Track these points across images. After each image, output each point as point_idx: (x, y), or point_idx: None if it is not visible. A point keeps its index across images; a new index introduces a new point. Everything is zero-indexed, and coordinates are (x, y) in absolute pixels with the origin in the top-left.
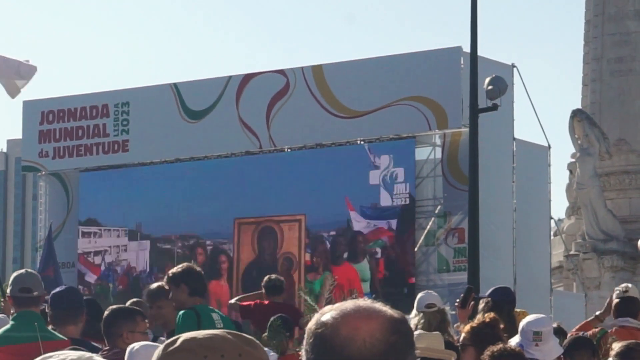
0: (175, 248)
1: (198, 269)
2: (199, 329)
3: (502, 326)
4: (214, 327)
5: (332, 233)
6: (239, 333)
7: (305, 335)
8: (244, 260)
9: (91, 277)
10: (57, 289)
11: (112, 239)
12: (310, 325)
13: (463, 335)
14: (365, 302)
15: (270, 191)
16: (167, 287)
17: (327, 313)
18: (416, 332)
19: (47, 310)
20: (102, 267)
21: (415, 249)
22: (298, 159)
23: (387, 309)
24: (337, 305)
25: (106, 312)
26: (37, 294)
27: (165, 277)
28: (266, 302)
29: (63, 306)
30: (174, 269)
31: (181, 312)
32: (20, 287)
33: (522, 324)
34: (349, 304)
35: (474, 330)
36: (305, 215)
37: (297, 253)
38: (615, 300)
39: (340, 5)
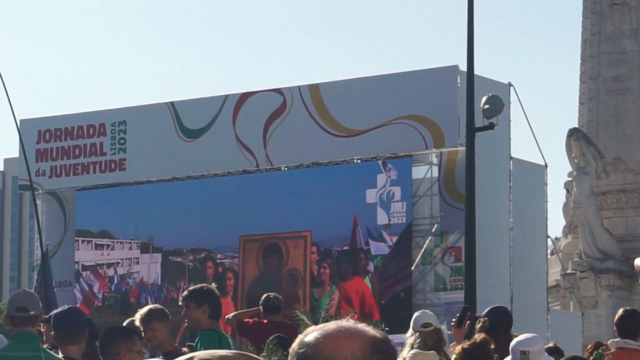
0: (187, 261)
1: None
2: None
3: (492, 346)
4: None
5: (346, 248)
6: (251, 354)
7: (289, 356)
8: (249, 277)
9: (100, 291)
10: (60, 310)
11: (124, 251)
12: (294, 346)
13: (454, 356)
14: (348, 322)
15: (274, 209)
16: (181, 304)
17: (311, 334)
18: (412, 352)
19: (42, 330)
20: (116, 280)
21: (412, 268)
22: (295, 177)
23: (370, 329)
24: (320, 325)
25: (103, 332)
26: (34, 314)
27: (186, 293)
28: (264, 320)
29: (65, 327)
30: (195, 287)
31: (203, 333)
32: (16, 307)
33: (512, 344)
34: (332, 325)
35: (465, 351)
36: (310, 231)
37: (302, 269)
38: (618, 316)
39: (337, 24)
